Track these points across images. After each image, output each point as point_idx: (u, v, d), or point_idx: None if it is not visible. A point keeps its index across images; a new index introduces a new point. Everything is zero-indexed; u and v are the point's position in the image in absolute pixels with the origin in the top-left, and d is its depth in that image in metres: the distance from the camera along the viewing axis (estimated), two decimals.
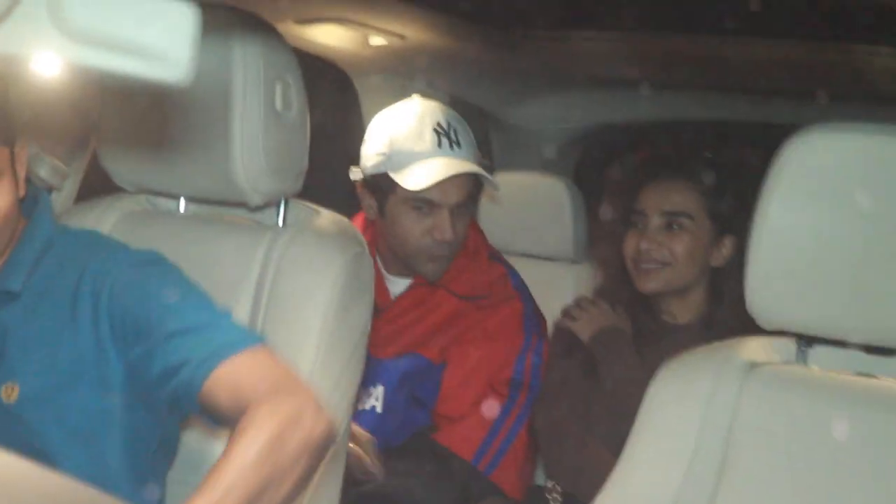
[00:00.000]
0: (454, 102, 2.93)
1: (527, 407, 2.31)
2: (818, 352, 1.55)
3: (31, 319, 1.50)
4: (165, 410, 1.53)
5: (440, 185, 2.22)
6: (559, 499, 2.30)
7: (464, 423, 2.27)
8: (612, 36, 2.92)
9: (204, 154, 1.68)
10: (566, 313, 2.35)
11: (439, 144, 2.26)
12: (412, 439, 2.31)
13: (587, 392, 2.25)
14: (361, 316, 1.75)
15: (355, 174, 2.35)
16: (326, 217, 1.81)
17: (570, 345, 2.31)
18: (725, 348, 1.56)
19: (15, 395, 1.47)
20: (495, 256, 2.48)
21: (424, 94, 2.46)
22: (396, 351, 2.35)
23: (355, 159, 2.37)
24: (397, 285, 2.42)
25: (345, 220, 1.83)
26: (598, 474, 2.05)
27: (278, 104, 1.67)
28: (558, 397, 2.27)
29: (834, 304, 1.42)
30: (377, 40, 2.73)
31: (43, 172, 2.04)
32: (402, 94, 2.89)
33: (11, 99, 1.48)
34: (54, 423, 1.48)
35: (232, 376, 1.41)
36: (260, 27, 1.68)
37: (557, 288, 2.90)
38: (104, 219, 1.80)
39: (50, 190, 2.09)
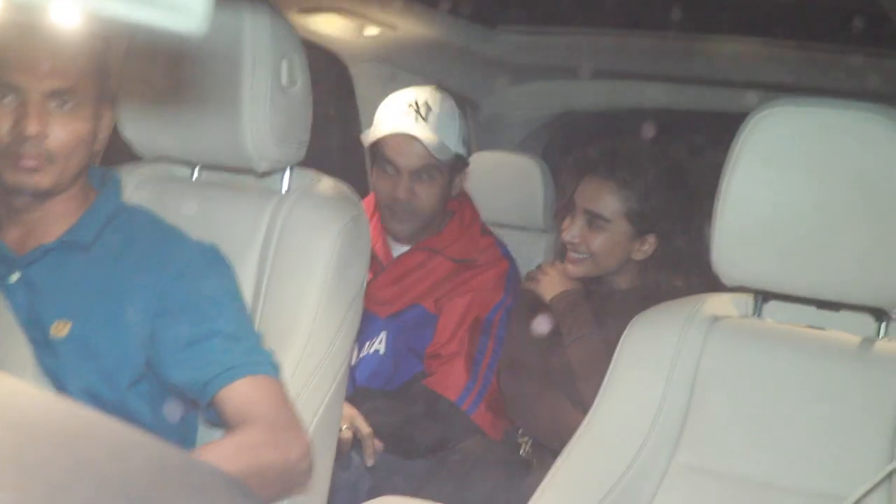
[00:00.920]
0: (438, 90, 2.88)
1: (495, 355, 2.30)
2: (773, 307, 1.54)
3: (94, 272, 1.48)
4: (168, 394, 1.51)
5: (396, 148, 2.30)
6: (530, 441, 2.26)
7: (450, 367, 2.26)
8: (578, 31, 2.88)
9: (216, 124, 1.63)
10: (530, 276, 2.30)
11: (406, 115, 2.32)
12: (405, 386, 2.29)
13: (548, 350, 2.20)
14: (358, 272, 1.71)
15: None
16: (327, 183, 1.76)
17: (533, 306, 2.26)
18: (690, 304, 1.53)
19: (65, 331, 1.44)
20: (487, 231, 2.50)
21: (413, 82, 2.43)
22: (399, 307, 2.36)
23: (351, 137, 2.35)
24: (399, 250, 2.45)
25: (344, 186, 1.78)
26: (563, 427, 2.02)
27: (284, 79, 1.62)
28: (522, 356, 2.23)
29: (790, 263, 1.40)
30: (371, 30, 2.67)
31: None
32: (392, 80, 2.84)
33: (112, 60, 1.49)
34: (93, 365, 1.44)
35: (246, 393, 1.41)
36: (268, 9, 1.62)
37: (529, 254, 2.90)
38: (124, 184, 1.74)
39: None
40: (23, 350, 1.43)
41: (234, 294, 1.51)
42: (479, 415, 2.25)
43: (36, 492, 0.35)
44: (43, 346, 1.44)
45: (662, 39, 2.79)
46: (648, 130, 2.49)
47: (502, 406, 2.27)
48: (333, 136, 3.12)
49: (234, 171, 1.77)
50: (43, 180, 1.43)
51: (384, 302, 2.35)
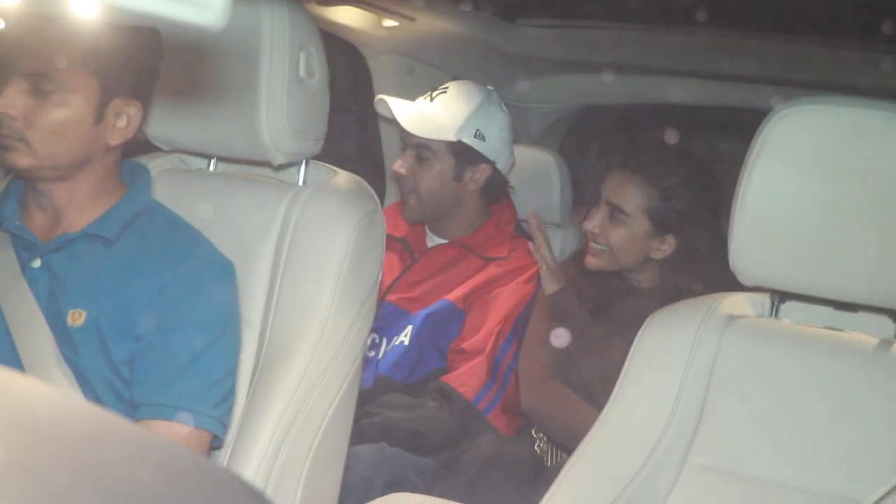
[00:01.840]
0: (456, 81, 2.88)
1: (517, 356, 2.30)
2: (790, 307, 1.54)
3: (115, 266, 1.49)
4: None
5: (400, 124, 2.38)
6: (544, 438, 2.27)
7: (470, 365, 2.26)
8: (598, 25, 2.87)
9: (233, 116, 1.64)
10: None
11: (422, 96, 2.42)
12: (424, 380, 2.29)
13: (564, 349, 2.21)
14: (373, 267, 1.71)
15: None
16: (343, 177, 1.76)
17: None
18: (707, 302, 1.53)
19: (80, 320, 1.45)
20: (523, 232, 2.52)
21: (431, 75, 2.47)
22: (429, 303, 2.38)
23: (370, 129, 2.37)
24: (433, 242, 2.50)
25: (360, 179, 1.78)
26: (577, 424, 2.02)
27: (302, 71, 1.62)
28: (540, 351, 2.23)
29: (808, 264, 1.40)
30: (390, 22, 2.66)
31: None
32: (409, 73, 2.84)
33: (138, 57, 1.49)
34: (105, 358, 1.45)
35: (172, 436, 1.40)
36: (287, 1, 1.62)
37: None
38: None
39: None
40: (45, 338, 1.44)
41: (226, 322, 1.51)
42: (495, 416, 2.25)
43: (40, 495, 0.35)
44: (62, 334, 1.45)
45: (685, 35, 2.77)
46: (670, 126, 2.48)
47: (518, 407, 2.27)
48: (351, 132, 3.12)
49: (250, 163, 1.77)
50: (18, 159, 1.43)
51: (414, 298, 2.37)
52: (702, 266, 2.14)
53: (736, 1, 2.31)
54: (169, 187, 1.71)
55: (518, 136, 3.30)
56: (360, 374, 1.72)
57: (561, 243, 2.93)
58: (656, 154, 2.19)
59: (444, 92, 2.40)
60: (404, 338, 2.34)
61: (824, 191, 1.36)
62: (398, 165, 2.40)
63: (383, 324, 2.35)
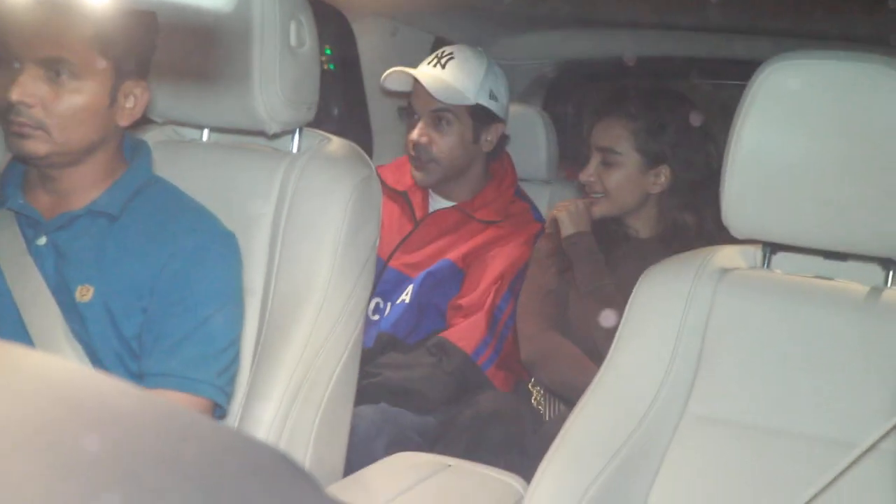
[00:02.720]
0: (438, 41, 2.88)
1: (513, 316, 2.33)
2: (781, 258, 1.56)
3: (120, 241, 1.50)
4: None
5: (415, 93, 2.42)
6: (542, 391, 2.30)
7: (469, 321, 2.29)
8: None
9: (226, 86, 1.65)
10: (558, 207, 2.34)
11: (427, 63, 2.45)
12: (424, 340, 2.32)
13: (565, 295, 2.24)
14: (371, 231, 1.73)
15: None
16: (337, 143, 1.77)
17: (553, 250, 2.29)
18: (700, 256, 1.55)
19: (88, 296, 1.47)
20: (522, 195, 2.58)
21: (414, 37, 2.47)
22: (429, 266, 2.41)
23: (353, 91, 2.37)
24: (436, 205, 2.52)
25: (354, 145, 1.79)
26: (574, 374, 2.05)
27: (293, 41, 1.64)
28: (539, 302, 2.26)
29: (798, 215, 1.42)
30: None
31: None
32: (392, 35, 2.83)
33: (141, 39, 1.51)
34: (114, 332, 1.47)
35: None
36: None
37: None
38: None
39: None
40: (53, 314, 1.46)
41: (229, 293, 1.53)
42: (493, 371, 2.28)
43: (78, 469, 0.36)
44: (70, 310, 1.46)
45: None
46: (652, 76, 2.51)
47: (515, 363, 2.30)
48: (336, 96, 3.12)
49: (244, 133, 1.78)
50: (36, 147, 1.44)
51: (416, 264, 2.40)
52: (694, 196, 2.19)
53: None
54: (166, 159, 1.71)
55: None
56: (362, 337, 1.74)
57: (549, 198, 2.95)
58: (637, 95, 2.26)
59: (452, 57, 2.43)
60: (405, 296, 2.37)
61: (814, 143, 1.38)
62: (417, 135, 2.40)
63: (386, 288, 2.38)
